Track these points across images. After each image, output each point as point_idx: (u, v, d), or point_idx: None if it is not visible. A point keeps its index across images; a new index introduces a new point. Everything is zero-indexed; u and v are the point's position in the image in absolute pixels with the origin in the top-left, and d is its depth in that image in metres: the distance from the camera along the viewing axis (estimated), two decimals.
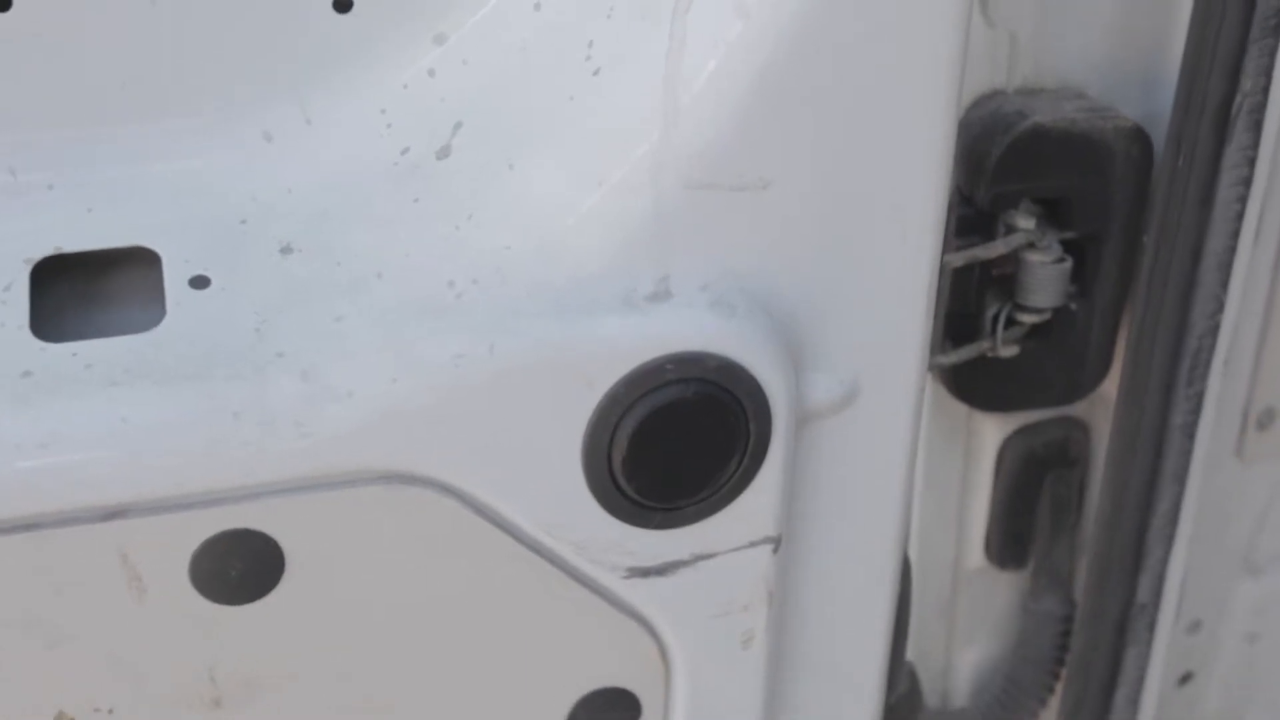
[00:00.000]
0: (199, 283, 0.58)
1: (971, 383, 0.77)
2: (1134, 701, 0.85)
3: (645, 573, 0.62)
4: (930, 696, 0.90)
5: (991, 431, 0.81)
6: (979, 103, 0.72)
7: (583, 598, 0.62)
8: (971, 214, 0.73)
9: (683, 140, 0.57)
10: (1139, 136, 0.71)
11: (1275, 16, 0.64)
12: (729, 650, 0.66)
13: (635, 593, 0.63)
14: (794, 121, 0.57)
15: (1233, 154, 0.68)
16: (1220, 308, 0.73)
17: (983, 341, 0.75)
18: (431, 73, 0.61)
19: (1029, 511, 0.84)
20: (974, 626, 0.89)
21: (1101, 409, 0.80)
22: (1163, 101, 0.71)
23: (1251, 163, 0.69)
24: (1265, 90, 0.66)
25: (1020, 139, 0.71)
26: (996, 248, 0.72)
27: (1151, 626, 0.84)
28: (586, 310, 0.57)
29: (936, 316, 0.76)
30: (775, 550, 0.64)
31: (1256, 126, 0.67)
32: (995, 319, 0.75)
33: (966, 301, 0.75)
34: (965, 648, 0.89)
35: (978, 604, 0.88)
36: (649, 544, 0.62)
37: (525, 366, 0.56)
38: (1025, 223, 0.72)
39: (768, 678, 0.68)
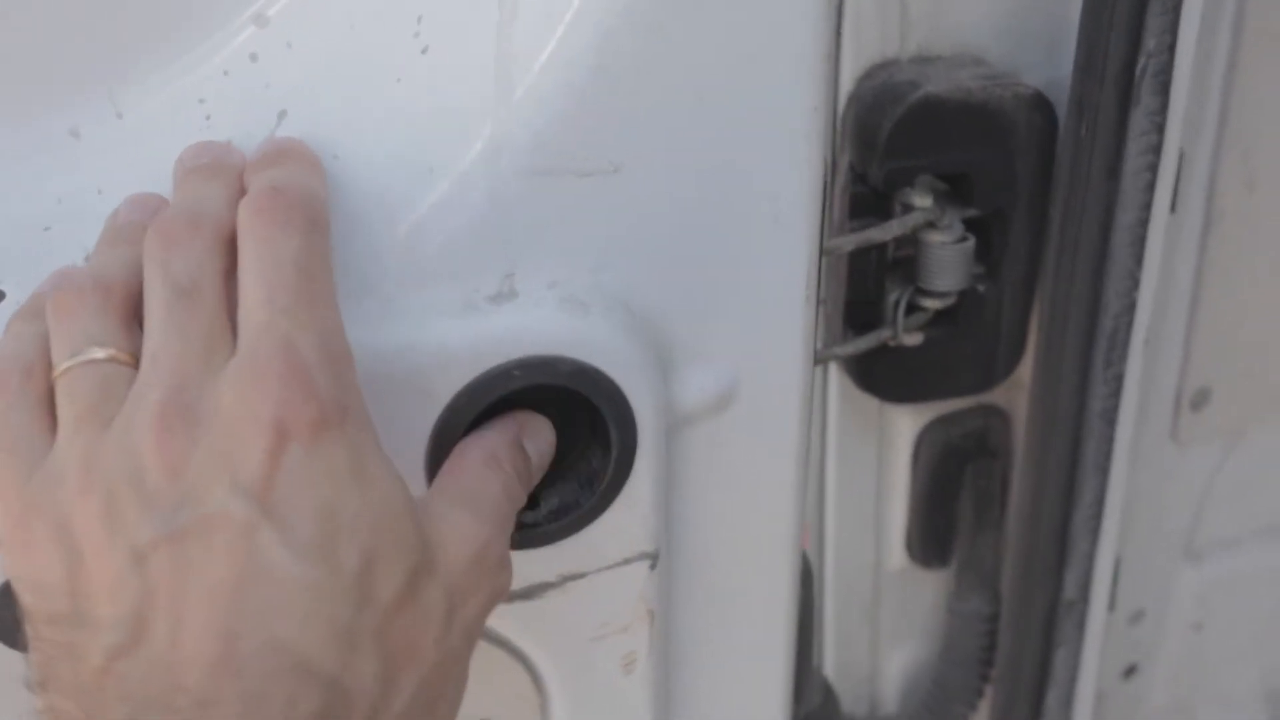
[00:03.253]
0: None
1: (877, 374, 0.72)
2: (1067, 702, 0.80)
3: (510, 598, 0.57)
4: (857, 704, 0.85)
5: (906, 424, 0.76)
6: (870, 73, 0.66)
7: None
8: (866, 193, 0.68)
9: (519, 123, 0.51)
10: (1041, 104, 0.65)
11: None
12: (609, 675, 0.61)
13: (499, 620, 0.57)
14: (642, 98, 0.52)
15: (1139, 119, 0.62)
16: (1136, 285, 0.67)
17: (884, 330, 0.69)
18: (254, 57, 0.55)
19: (950, 506, 0.78)
20: (899, 629, 0.83)
21: (1020, 396, 0.75)
22: (1066, 65, 0.65)
23: (1160, 128, 0.63)
24: (1171, 49, 0.61)
25: (912, 111, 0.65)
26: (892, 228, 0.66)
27: (1081, 623, 0.79)
28: (420, 315, 0.52)
29: (832, 304, 0.71)
30: (653, 566, 0.59)
31: (1163, 89, 0.62)
32: (896, 305, 0.69)
33: (866, 288, 0.70)
34: (891, 652, 0.84)
35: (901, 605, 0.82)
36: None
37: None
38: (922, 201, 0.67)
39: (655, 702, 0.63)
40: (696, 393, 0.58)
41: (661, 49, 0.51)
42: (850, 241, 0.67)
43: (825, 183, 0.57)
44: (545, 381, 0.52)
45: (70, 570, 0.42)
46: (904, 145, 0.66)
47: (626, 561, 0.58)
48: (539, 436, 0.53)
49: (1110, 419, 0.72)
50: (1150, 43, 0.60)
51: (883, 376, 0.72)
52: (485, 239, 0.52)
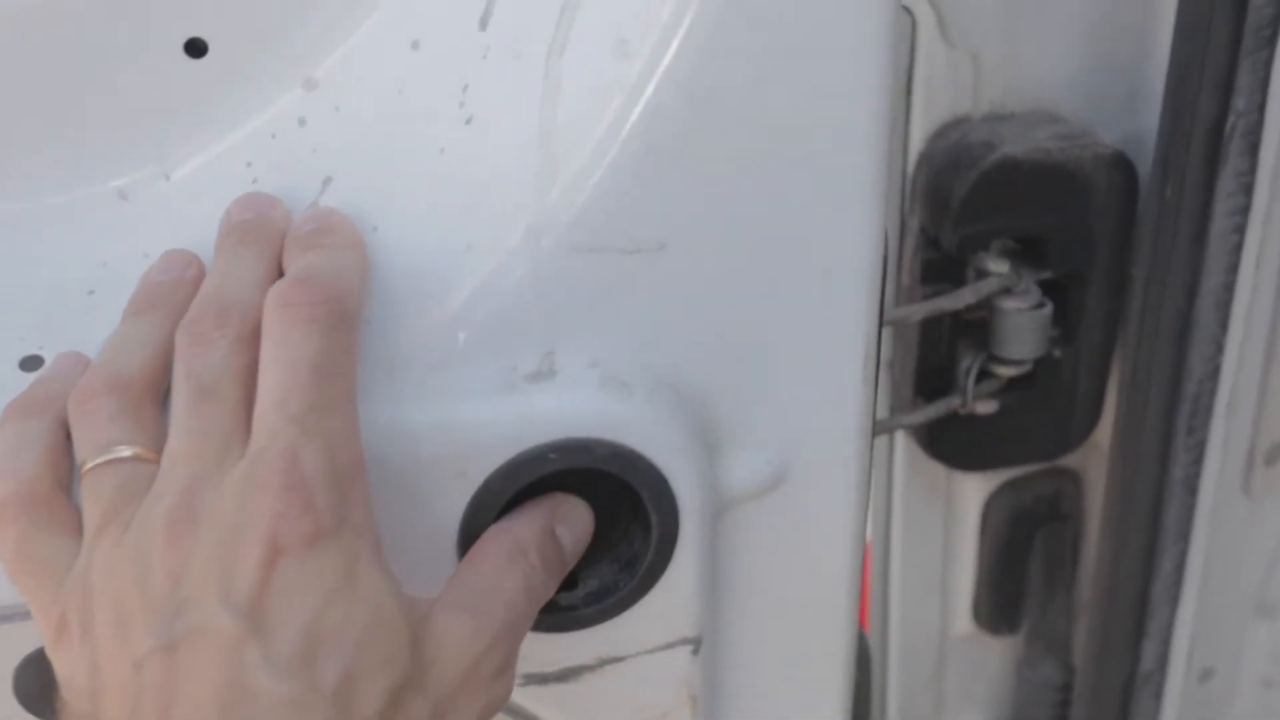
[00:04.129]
0: (30, 364, 0.51)
1: (946, 442, 0.69)
2: None
3: (544, 679, 0.55)
4: None
5: (974, 488, 0.73)
6: (942, 131, 0.63)
7: None
8: (939, 258, 0.65)
9: (562, 199, 0.49)
10: (1121, 164, 0.62)
11: (1269, 26, 0.55)
12: None
13: (536, 702, 0.56)
14: (689, 174, 0.49)
15: (1227, 180, 0.58)
16: (1220, 350, 0.64)
17: (953, 398, 0.66)
18: (302, 121, 0.54)
19: (1020, 571, 0.75)
20: (964, 697, 0.80)
21: (1094, 456, 0.72)
22: (1146, 120, 0.62)
23: (1248, 189, 0.59)
24: (1261, 109, 0.57)
25: (988, 173, 0.62)
26: (964, 296, 0.63)
27: (1159, 694, 0.75)
28: (456, 393, 0.50)
29: (900, 370, 0.68)
30: (695, 652, 0.56)
31: (1252, 149, 0.58)
32: (967, 373, 0.65)
33: (938, 354, 0.67)
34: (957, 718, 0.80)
35: (967, 673, 0.79)
36: (546, 648, 0.54)
37: (384, 457, 0.49)
38: (998, 266, 0.63)
39: None
40: (745, 475, 0.55)
41: (711, 124, 0.48)
42: (919, 311, 0.64)
43: (884, 257, 0.54)
44: (582, 465, 0.50)
45: (90, 673, 0.43)
46: (980, 209, 0.63)
47: (668, 646, 0.56)
48: (575, 522, 0.51)
49: (1192, 485, 0.68)
50: (1240, 102, 0.56)
51: (952, 444, 0.69)
52: (525, 317, 0.50)
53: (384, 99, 0.53)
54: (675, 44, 0.47)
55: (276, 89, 0.54)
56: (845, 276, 0.53)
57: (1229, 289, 0.64)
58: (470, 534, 0.50)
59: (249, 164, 0.54)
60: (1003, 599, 0.76)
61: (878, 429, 0.68)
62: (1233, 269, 0.61)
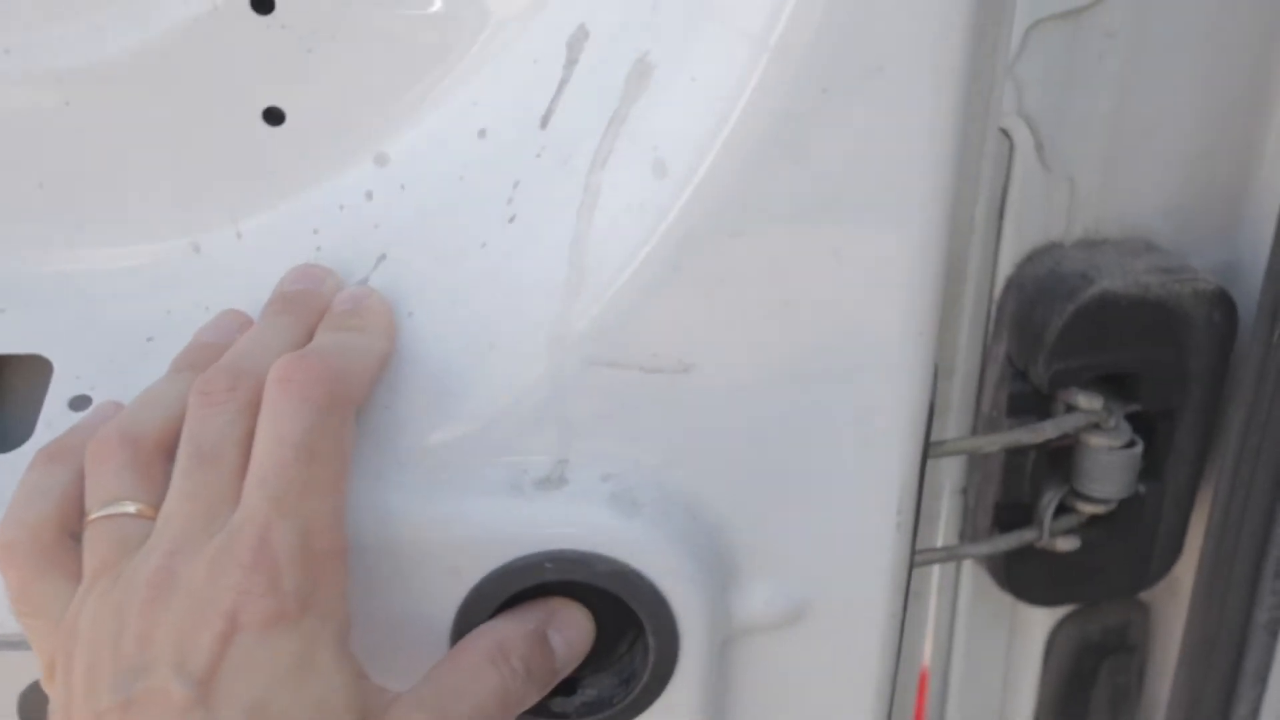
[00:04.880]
0: (79, 404, 0.53)
1: (1019, 574, 0.65)
2: None
3: None
4: None
5: (1040, 617, 0.68)
6: (1033, 258, 0.59)
7: None
8: (1027, 391, 0.61)
9: (586, 310, 0.48)
10: (1222, 301, 0.58)
11: None
12: None
13: None
14: (721, 301, 0.47)
15: None
16: None
17: (1027, 531, 0.62)
18: (369, 195, 0.54)
19: (1083, 703, 0.70)
20: None
21: (1166, 588, 0.66)
22: (1241, 251, 0.57)
23: None
24: None
25: (1085, 309, 0.58)
26: (1046, 430, 0.59)
27: None
28: (462, 490, 0.49)
29: (974, 498, 0.64)
30: None
31: None
32: (1047, 506, 0.62)
33: (1020, 487, 0.63)
34: None
35: None
36: None
37: (384, 544, 0.48)
38: (1089, 403, 0.59)
39: None
40: (761, 605, 0.53)
41: (743, 249, 0.46)
42: (995, 442, 0.60)
43: (932, 399, 0.51)
44: (579, 579, 0.49)
45: (64, 715, 0.44)
46: (1075, 345, 0.59)
47: None
48: (572, 628, 0.50)
49: (1274, 630, 0.62)
50: None
51: (1024, 578, 0.65)
52: (540, 422, 0.49)
53: (447, 183, 0.53)
54: (709, 164, 0.45)
55: (349, 161, 0.55)
56: (884, 415, 0.50)
57: None
58: (462, 631, 0.49)
59: (315, 230, 0.55)
60: None
61: (947, 556, 0.65)
62: None
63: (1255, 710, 0.64)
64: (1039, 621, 0.69)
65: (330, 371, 0.46)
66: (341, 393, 0.46)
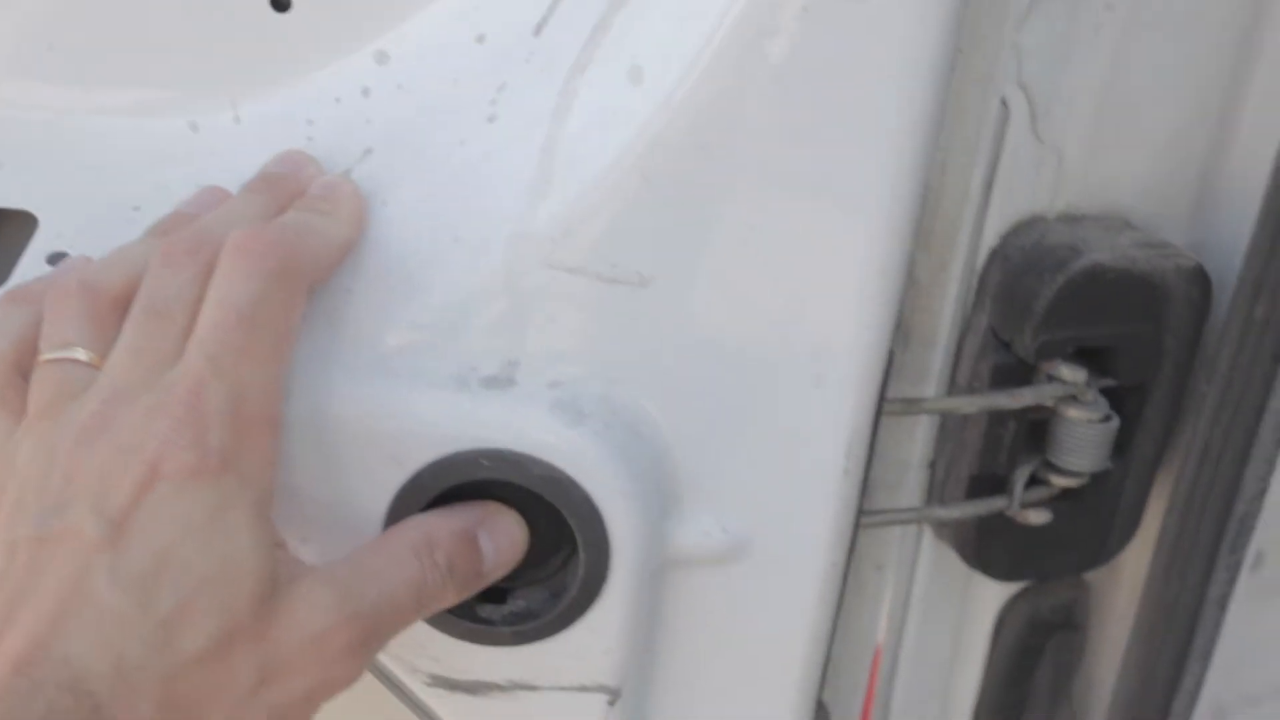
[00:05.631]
0: (55, 259, 0.53)
1: (986, 545, 0.63)
2: None
3: (452, 685, 0.53)
4: None
5: (993, 594, 0.67)
6: (1019, 229, 0.58)
7: (378, 692, 0.54)
8: (1012, 363, 0.60)
9: (550, 213, 0.47)
10: (1200, 278, 0.57)
11: None
12: None
13: (440, 704, 0.54)
14: (683, 213, 0.47)
15: None
16: (1271, 469, 0.57)
17: (996, 499, 0.61)
18: (366, 91, 0.54)
19: (1027, 679, 0.69)
20: None
21: (1106, 567, 0.65)
22: (1212, 231, 0.58)
23: None
24: None
25: (1075, 279, 0.57)
26: (1024, 397, 0.58)
27: None
28: (410, 380, 0.49)
29: (944, 469, 0.63)
30: (612, 703, 0.53)
31: None
32: (1021, 477, 0.60)
33: (997, 457, 0.62)
34: None
35: None
36: (456, 654, 0.52)
37: (328, 425, 0.48)
38: (1073, 375, 0.58)
39: None
40: (699, 537, 0.52)
41: (713, 167, 0.46)
42: (973, 404, 0.59)
43: (890, 351, 0.50)
44: (512, 479, 0.48)
45: None
46: (1062, 316, 0.58)
47: (583, 689, 0.53)
48: (503, 534, 0.49)
49: (1223, 604, 0.61)
50: None
51: (989, 549, 0.64)
52: (494, 320, 0.48)
53: (442, 85, 0.53)
54: (689, 79, 0.45)
55: (350, 55, 0.55)
56: (841, 357, 0.49)
57: None
58: (394, 520, 0.49)
59: (310, 121, 0.55)
60: (1008, 705, 0.70)
61: (915, 518, 0.63)
62: None
63: (1199, 683, 0.63)
64: (990, 599, 0.68)
65: (286, 245, 0.46)
66: (294, 267, 0.45)
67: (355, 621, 0.44)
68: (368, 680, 0.53)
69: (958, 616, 0.70)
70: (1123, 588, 0.71)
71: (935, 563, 0.68)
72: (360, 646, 0.44)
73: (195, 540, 0.41)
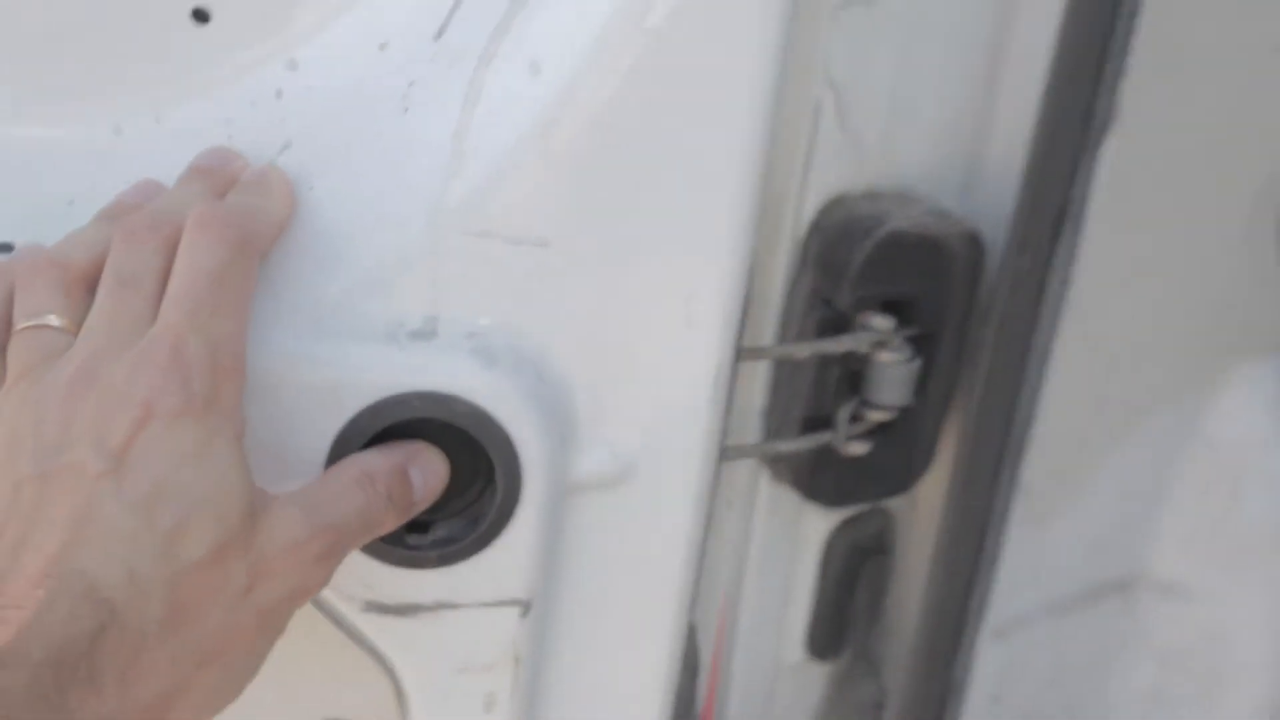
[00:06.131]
0: (3, 249, 0.58)
1: (817, 477, 0.74)
2: None
3: (384, 610, 0.60)
4: None
5: (819, 526, 0.78)
6: (831, 206, 0.69)
7: (318, 622, 0.60)
8: (833, 316, 0.71)
9: (462, 187, 0.55)
10: (976, 241, 0.70)
11: (1101, 130, 0.64)
12: (469, 709, 0.63)
13: (374, 629, 0.60)
14: (575, 185, 0.55)
15: (1063, 254, 0.66)
16: (1037, 402, 0.70)
17: (824, 434, 0.71)
18: (279, 94, 0.61)
19: (848, 601, 0.81)
20: None
21: (906, 499, 0.80)
22: (981, 201, 0.72)
23: (1072, 262, 0.67)
24: (1085, 198, 0.66)
25: (881, 242, 0.68)
26: (844, 342, 0.69)
27: (959, 706, 0.79)
28: (345, 335, 0.56)
29: (780, 415, 0.73)
30: (524, 615, 0.61)
31: (1079, 227, 0.66)
32: (844, 413, 0.71)
33: (824, 399, 0.72)
34: None
35: (796, 699, 0.83)
36: (389, 581, 0.59)
37: (272, 376, 0.54)
38: (884, 324, 0.69)
39: None
40: (593, 465, 0.60)
41: (600, 146, 0.55)
42: (804, 349, 0.70)
43: (745, 299, 0.60)
44: (439, 416, 0.55)
45: None
46: (872, 274, 0.69)
47: (498, 604, 0.60)
48: (429, 468, 0.56)
49: (1005, 518, 0.73)
50: (1078, 189, 0.64)
51: (819, 481, 0.74)
52: (416, 282, 0.56)
53: (348, 86, 0.60)
54: (581, 71, 0.53)
55: (264, 63, 0.61)
56: (705, 307, 0.58)
57: (1050, 343, 0.70)
58: (336, 459, 0.56)
59: (228, 121, 0.61)
60: (833, 627, 0.81)
61: (759, 452, 0.73)
62: (1053, 329, 0.67)
63: (987, 591, 0.75)
64: (817, 532, 0.79)
65: (241, 220, 0.52)
66: (250, 239, 0.52)
67: (322, 535, 0.50)
68: (308, 610, 0.59)
69: (791, 548, 0.81)
70: (920, 518, 0.83)
71: (771, 502, 0.78)
72: (327, 556, 0.51)
73: (188, 467, 0.47)
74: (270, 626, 0.50)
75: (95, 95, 0.61)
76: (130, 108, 0.62)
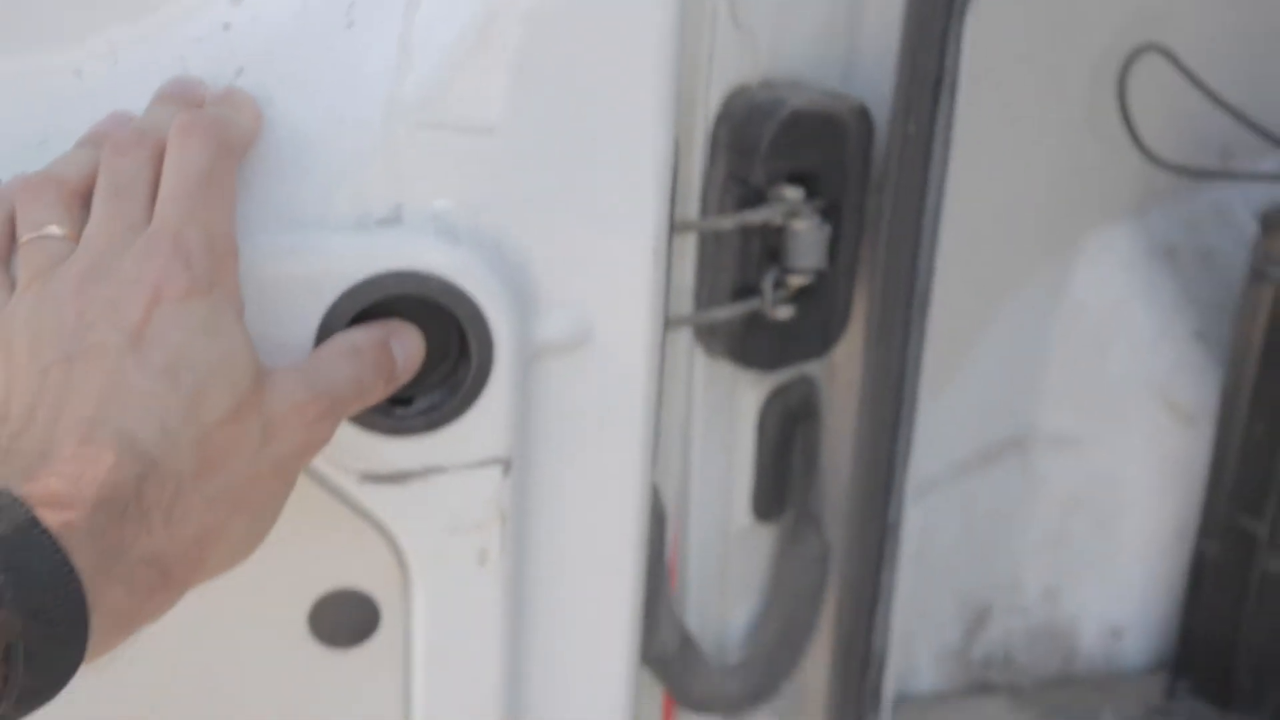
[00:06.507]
0: None
1: (749, 344, 0.81)
2: (888, 614, 0.87)
3: (379, 479, 0.65)
4: (713, 656, 0.92)
5: (752, 396, 0.85)
6: (732, 98, 0.77)
7: (319, 496, 0.65)
8: (748, 193, 0.78)
9: (413, 85, 0.61)
10: (865, 114, 0.78)
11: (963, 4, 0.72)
12: (464, 566, 0.68)
13: (371, 498, 0.66)
14: (516, 74, 0.61)
15: (943, 118, 0.73)
16: (935, 252, 0.78)
17: (753, 300, 0.78)
18: (226, 26, 0.65)
19: (785, 464, 0.88)
20: (744, 584, 0.91)
21: (826, 367, 0.87)
22: (856, 88, 0.80)
23: (950, 126, 0.75)
24: (957, 66, 0.74)
25: (785, 121, 0.75)
26: (762, 213, 0.76)
27: (896, 544, 0.86)
28: (319, 228, 0.61)
29: (716, 289, 0.80)
30: (505, 473, 0.67)
31: (954, 93, 0.74)
32: (767, 280, 0.79)
33: (749, 269, 0.79)
34: (736, 606, 0.91)
35: (747, 560, 0.90)
36: (381, 450, 0.64)
37: (257, 270, 0.59)
38: (794, 194, 0.77)
39: (506, 598, 0.70)
40: (553, 330, 0.66)
41: (537, 37, 0.61)
42: (729, 221, 0.77)
43: (673, 177, 0.66)
44: (414, 292, 0.61)
45: (6, 384, 0.53)
46: (780, 150, 0.77)
47: (481, 464, 0.66)
48: (407, 341, 0.62)
49: (919, 366, 0.81)
50: (949, 59, 0.72)
51: (751, 347, 0.81)
52: (379, 174, 0.61)
53: (291, 12, 0.65)
54: None
55: (209, 3, 0.66)
56: (639, 177, 0.65)
57: (939, 204, 0.78)
58: (322, 340, 0.61)
59: (182, 58, 0.66)
60: (773, 488, 0.88)
61: (696, 320, 0.80)
62: (940, 188, 0.75)
63: (910, 434, 0.83)
64: (750, 401, 0.86)
65: (220, 125, 0.57)
66: (231, 143, 0.57)
67: (320, 398, 0.56)
68: (311, 485, 0.65)
69: (729, 420, 0.88)
70: (839, 383, 0.91)
71: (708, 377, 0.85)
72: (328, 415, 0.56)
73: (201, 339, 0.52)
74: (285, 478, 0.56)
75: (52, 41, 0.65)
76: (89, 50, 0.66)
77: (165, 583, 0.51)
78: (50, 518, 0.46)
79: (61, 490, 0.47)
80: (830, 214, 0.79)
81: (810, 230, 0.77)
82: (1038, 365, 1.17)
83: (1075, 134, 1.06)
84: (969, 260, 0.89)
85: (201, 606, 0.58)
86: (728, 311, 0.78)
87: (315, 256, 0.61)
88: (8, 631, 0.44)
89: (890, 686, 0.89)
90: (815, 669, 0.91)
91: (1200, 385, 1.16)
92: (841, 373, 0.90)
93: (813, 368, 0.86)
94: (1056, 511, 1.20)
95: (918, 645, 1.17)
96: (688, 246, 0.79)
